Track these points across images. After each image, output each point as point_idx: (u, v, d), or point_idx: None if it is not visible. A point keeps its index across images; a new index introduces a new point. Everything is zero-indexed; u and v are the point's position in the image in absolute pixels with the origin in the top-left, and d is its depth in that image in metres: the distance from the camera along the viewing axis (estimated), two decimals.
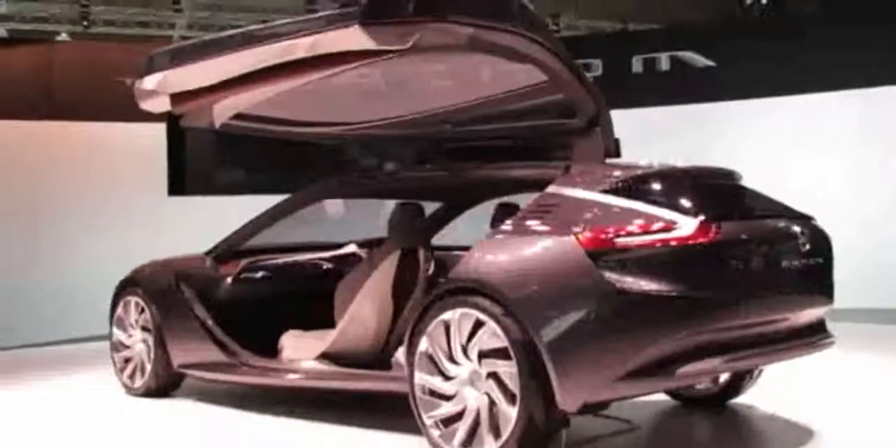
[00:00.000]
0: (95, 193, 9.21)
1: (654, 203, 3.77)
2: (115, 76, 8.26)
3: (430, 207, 5.61)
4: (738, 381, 4.72)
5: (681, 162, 4.29)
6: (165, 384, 5.47)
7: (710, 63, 9.91)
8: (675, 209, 3.73)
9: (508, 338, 3.62)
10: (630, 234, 3.61)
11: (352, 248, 5.93)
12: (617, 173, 3.99)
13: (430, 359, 3.93)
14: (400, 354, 4.37)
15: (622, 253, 3.57)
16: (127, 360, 5.63)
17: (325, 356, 4.78)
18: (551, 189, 4.03)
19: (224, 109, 4.77)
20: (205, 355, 5.19)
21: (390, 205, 5.37)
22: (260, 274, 5.62)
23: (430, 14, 3.60)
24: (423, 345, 3.94)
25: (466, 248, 5.07)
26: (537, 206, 4.01)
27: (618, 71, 10.08)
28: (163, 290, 5.44)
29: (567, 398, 3.54)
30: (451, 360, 3.87)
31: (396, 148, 5.36)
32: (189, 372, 5.32)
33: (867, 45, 9.04)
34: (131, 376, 5.58)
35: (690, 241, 3.58)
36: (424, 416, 3.93)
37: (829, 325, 4.28)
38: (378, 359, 4.66)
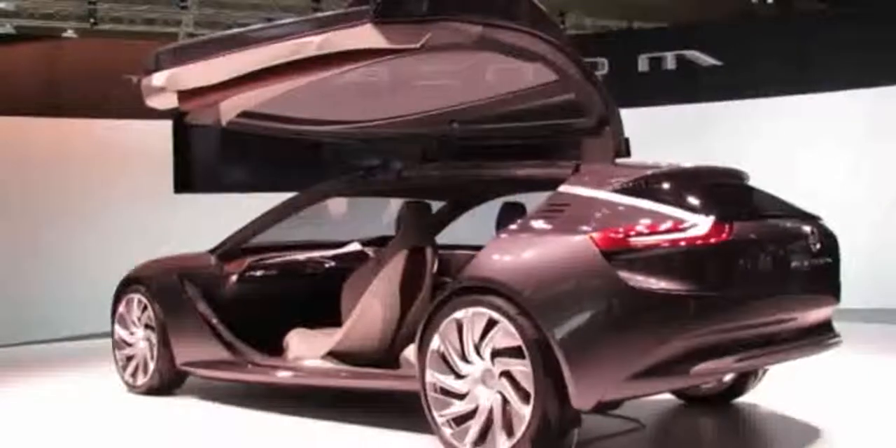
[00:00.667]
0: (101, 190, 9.21)
1: (667, 203, 3.77)
2: (124, 74, 8.27)
3: (435, 206, 5.61)
4: (744, 381, 4.72)
5: (688, 162, 4.28)
6: (168, 382, 5.45)
7: (716, 62, 9.90)
8: (688, 209, 3.73)
9: (523, 337, 3.61)
10: (644, 233, 3.61)
11: (357, 247, 5.93)
12: (628, 173, 3.98)
13: (442, 357, 3.92)
14: (408, 353, 4.37)
15: (636, 252, 3.57)
16: (129, 358, 5.62)
17: (331, 354, 4.77)
18: (563, 188, 4.02)
19: (231, 107, 4.76)
20: (209, 353, 5.18)
21: (396, 203, 5.35)
22: (265, 272, 5.59)
23: (444, 13, 3.58)
24: (435, 343, 3.93)
25: (466, 247, 5.09)
26: (549, 205, 4.00)
27: (624, 70, 10.06)
28: (166, 288, 5.43)
29: (581, 397, 3.54)
30: (464, 358, 3.86)
31: (402, 146, 5.34)
32: (192, 370, 5.31)
33: (875, 43, 9.02)
34: (133, 374, 5.57)
35: (704, 241, 3.58)
36: (436, 415, 3.92)
37: (836, 325, 4.28)
38: (385, 357, 4.67)
